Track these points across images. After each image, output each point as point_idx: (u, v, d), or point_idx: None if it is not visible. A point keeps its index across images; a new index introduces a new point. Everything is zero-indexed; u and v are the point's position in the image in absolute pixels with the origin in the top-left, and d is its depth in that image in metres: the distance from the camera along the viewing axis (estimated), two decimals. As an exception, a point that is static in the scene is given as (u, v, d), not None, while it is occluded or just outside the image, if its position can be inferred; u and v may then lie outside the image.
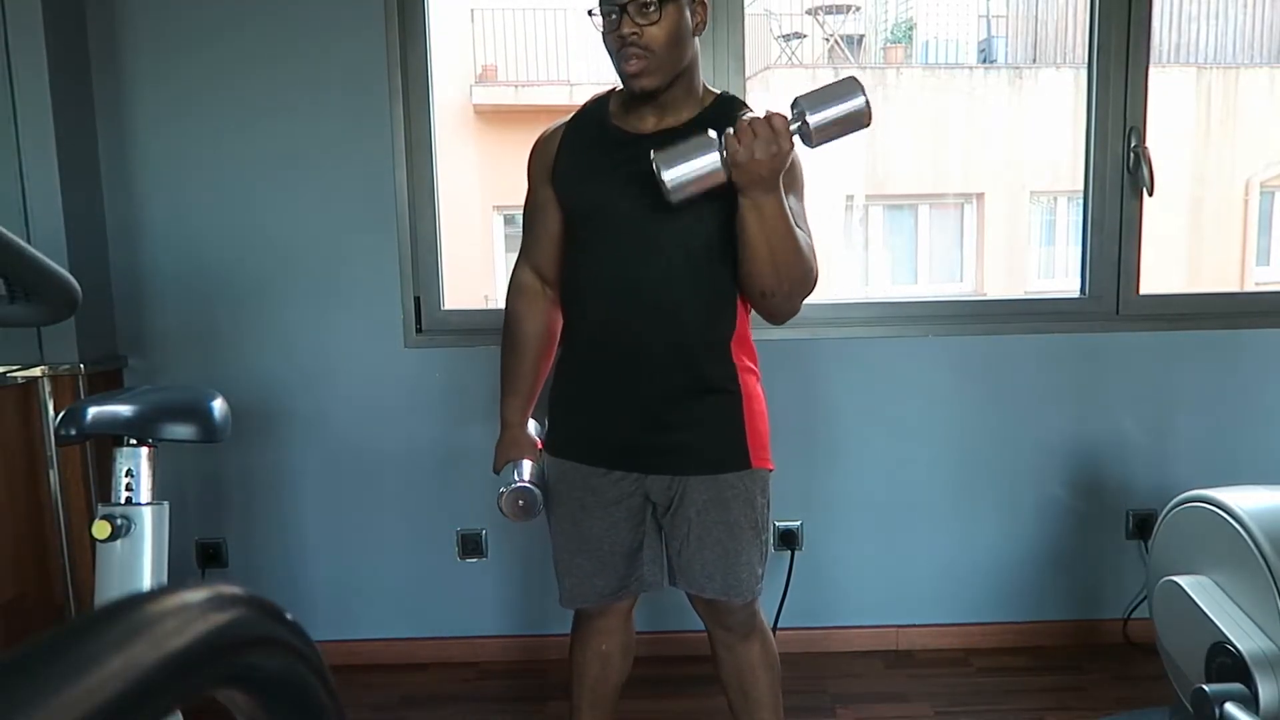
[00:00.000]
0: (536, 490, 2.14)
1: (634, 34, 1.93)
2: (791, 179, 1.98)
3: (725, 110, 2.03)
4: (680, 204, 1.87)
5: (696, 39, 2.02)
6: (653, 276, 2.02)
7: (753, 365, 2.14)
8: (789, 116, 1.86)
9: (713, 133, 1.87)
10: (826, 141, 1.89)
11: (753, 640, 2.28)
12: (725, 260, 2.00)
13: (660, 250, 2.01)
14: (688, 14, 1.97)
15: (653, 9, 1.92)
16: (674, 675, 3.19)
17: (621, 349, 2.07)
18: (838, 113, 1.86)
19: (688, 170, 1.84)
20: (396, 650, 3.40)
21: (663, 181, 1.84)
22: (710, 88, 2.12)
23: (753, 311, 2.11)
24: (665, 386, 2.07)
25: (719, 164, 1.84)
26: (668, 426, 2.08)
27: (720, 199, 1.90)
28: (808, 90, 1.90)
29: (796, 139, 1.88)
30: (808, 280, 1.99)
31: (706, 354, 2.07)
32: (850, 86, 1.87)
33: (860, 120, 1.87)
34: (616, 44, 1.96)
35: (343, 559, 3.37)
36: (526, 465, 2.18)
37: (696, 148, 1.85)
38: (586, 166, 2.10)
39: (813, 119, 1.85)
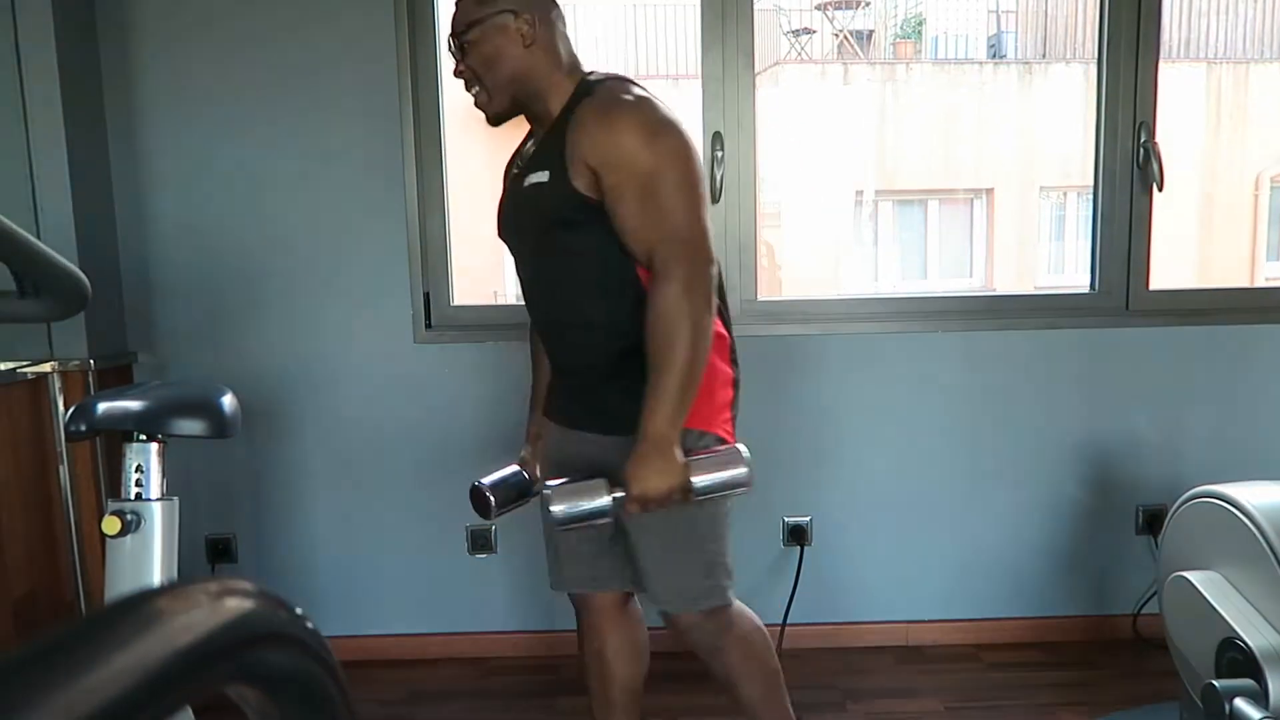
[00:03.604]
0: (485, 494, 2.22)
1: (462, 70, 2.03)
2: (659, 168, 1.88)
3: (574, 104, 1.98)
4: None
5: (533, 49, 1.99)
6: (541, 305, 2.13)
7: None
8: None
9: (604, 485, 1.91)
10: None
11: (728, 652, 2.20)
12: (610, 271, 1.97)
13: (534, 258, 2.10)
14: (507, 31, 1.97)
15: (469, 41, 1.99)
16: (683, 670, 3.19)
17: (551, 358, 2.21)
18: (721, 480, 1.92)
19: (575, 511, 1.90)
20: (406, 646, 3.41)
21: (550, 513, 1.90)
22: (585, 73, 2.05)
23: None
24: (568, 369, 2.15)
25: (607, 511, 1.90)
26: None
27: (583, 232, 1.95)
28: (699, 455, 1.93)
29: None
30: (691, 340, 1.89)
31: (606, 362, 2.04)
32: (734, 458, 1.93)
33: (744, 488, 1.94)
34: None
35: (352, 554, 3.38)
36: (502, 470, 2.29)
37: (588, 492, 1.90)
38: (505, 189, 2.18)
39: (697, 484, 1.91)
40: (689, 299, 1.87)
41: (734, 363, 2.12)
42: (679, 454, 1.89)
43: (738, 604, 2.20)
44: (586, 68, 2.07)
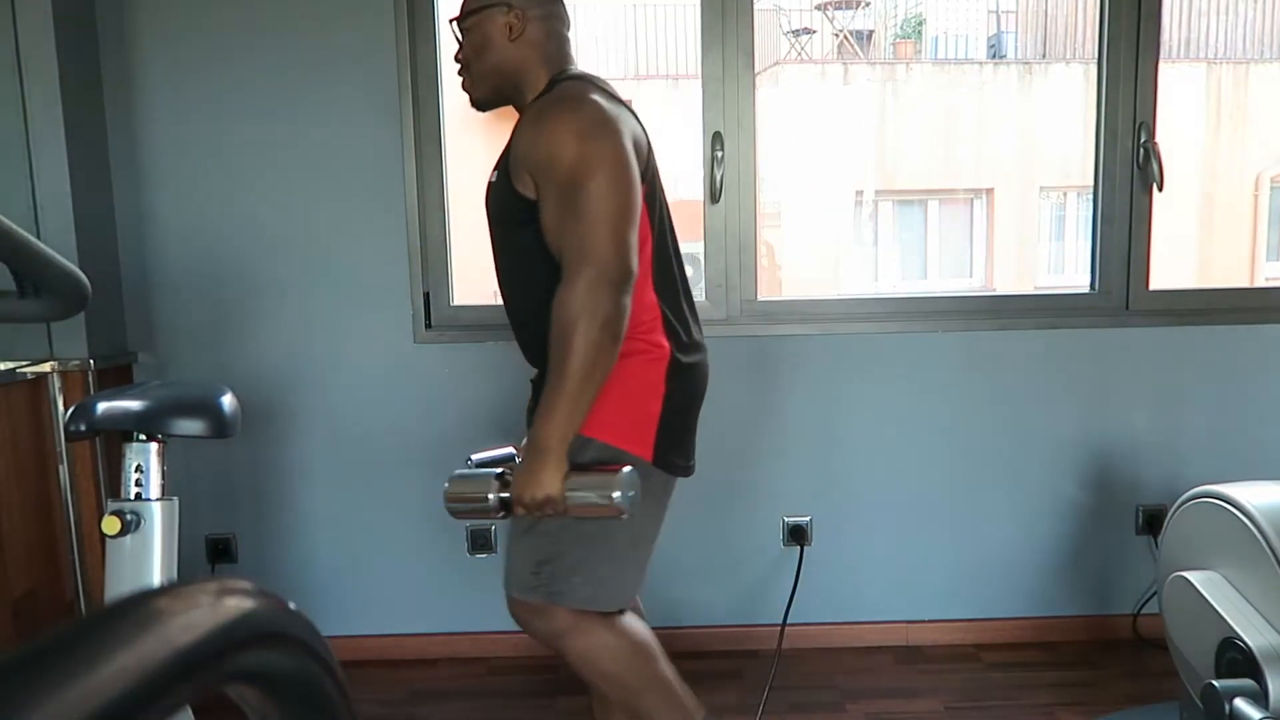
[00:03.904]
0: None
1: (457, 56, 2.10)
2: (564, 164, 1.87)
3: (535, 103, 2.01)
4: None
5: (518, 43, 2.02)
6: (505, 301, 2.15)
7: (645, 340, 2.02)
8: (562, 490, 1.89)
9: (495, 473, 1.95)
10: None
11: (566, 653, 2.11)
12: (553, 271, 1.94)
13: (500, 257, 2.11)
14: (496, 23, 2.01)
15: (466, 29, 2.05)
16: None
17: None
18: (591, 502, 1.90)
19: (459, 505, 1.97)
20: (406, 646, 3.41)
21: (445, 497, 1.96)
22: (558, 72, 2.05)
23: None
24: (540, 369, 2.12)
25: (489, 508, 1.93)
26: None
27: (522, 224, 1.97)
28: (583, 473, 1.92)
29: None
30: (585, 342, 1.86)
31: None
32: (611, 484, 1.89)
33: (614, 516, 1.91)
34: None
35: (352, 554, 3.38)
36: (496, 450, 2.26)
37: (477, 484, 1.95)
38: None
39: (570, 499, 1.90)
40: (587, 308, 1.83)
41: (682, 375, 2.04)
42: (559, 464, 1.88)
43: (609, 624, 2.10)
44: (577, 68, 2.08)
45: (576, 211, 1.86)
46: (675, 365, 2.02)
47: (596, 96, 1.94)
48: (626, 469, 1.89)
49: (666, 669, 2.14)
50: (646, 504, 2.00)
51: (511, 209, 1.96)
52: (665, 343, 2.02)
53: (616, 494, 1.86)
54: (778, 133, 10.68)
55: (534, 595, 2.06)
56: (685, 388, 2.06)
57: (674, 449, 2.06)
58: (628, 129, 1.93)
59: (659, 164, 2.10)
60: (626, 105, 2.04)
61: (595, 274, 1.84)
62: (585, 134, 1.87)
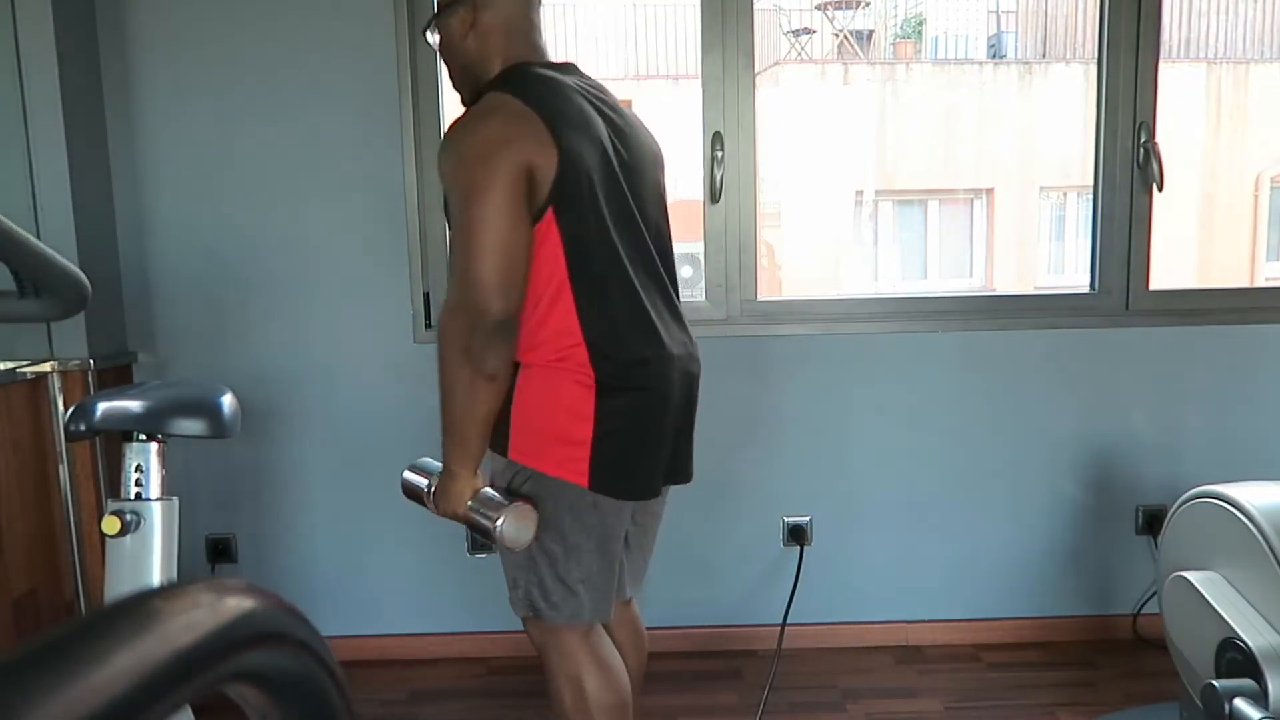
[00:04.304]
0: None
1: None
2: (451, 186, 1.89)
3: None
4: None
5: (474, 36, 2.01)
6: None
7: (535, 359, 1.97)
8: (469, 505, 1.99)
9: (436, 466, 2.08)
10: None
11: (543, 663, 2.20)
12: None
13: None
14: (453, 22, 2.02)
15: (437, 35, 2.07)
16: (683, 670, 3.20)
17: None
18: (481, 527, 1.98)
19: (411, 482, 2.19)
20: (406, 646, 3.41)
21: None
22: (518, 60, 2.02)
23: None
24: None
25: (424, 492, 2.13)
26: None
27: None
28: (486, 496, 1.99)
29: None
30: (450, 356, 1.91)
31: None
32: (498, 513, 1.94)
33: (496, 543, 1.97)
34: None
35: (352, 554, 3.38)
36: None
37: (424, 471, 2.15)
38: None
39: (471, 519, 2.00)
40: (448, 335, 1.87)
41: (615, 399, 1.96)
42: (463, 485, 1.97)
43: (585, 653, 2.13)
44: (535, 55, 2.03)
45: (457, 237, 1.87)
46: (605, 390, 1.95)
47: (501, 113, 1.88)
48: (518, 506, 1.93)
49: None
50: (583, 526, 2.01)
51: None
52: (590, 369, 1.95)
53: (497, 524, 1.92)
54: (778, 133, 10.68)
55: (516, 607, 2.12)
56: (627, 411, 1.98)
57: (619, 474, 2.00)
58: (523, 152, 1.83)
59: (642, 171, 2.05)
60: (586, 100, 1.97)
61: (456, 303, 1.85)
62: (469, 159, 1.85)
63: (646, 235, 2.04)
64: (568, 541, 2.02)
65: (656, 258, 2.07)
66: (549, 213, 1.87)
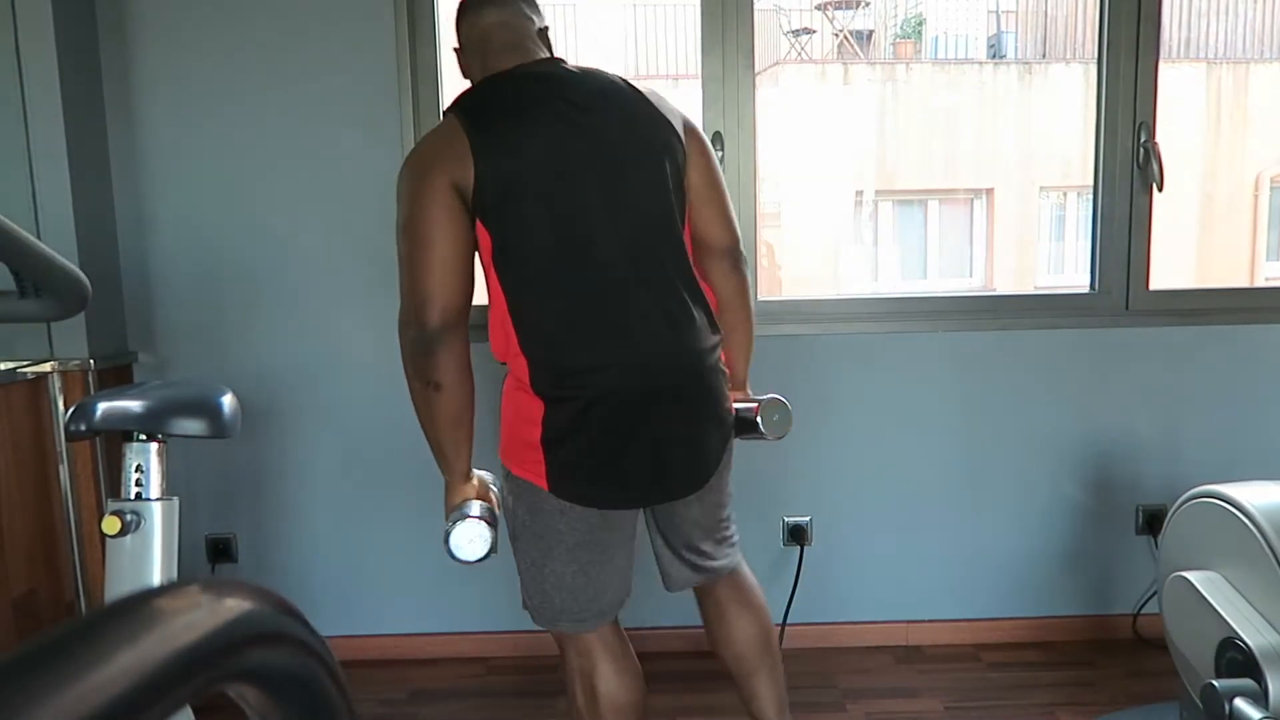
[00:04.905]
0: None
1: None
2: (399, 216, 1.96)
3: None
4: None
5: (466, 60, 2.14)
6: None
7: (517, 376, 2.08)
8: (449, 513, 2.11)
9: None
10: None
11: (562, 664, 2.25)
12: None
13: None
14: (459, 64, 2.18)
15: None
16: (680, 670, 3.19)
17: None
18: (446, 530, 2.07)
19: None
20: (406, 645, 3.41)
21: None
22: (489, 75, 2.08)
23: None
24: None
25: None
26: None
27: None
28: (467, 503, 2.12)
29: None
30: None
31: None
32: (458, 518, 2.06)
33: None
34: None
35: (352, 554, 3.38)
36: None
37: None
38: None
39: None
40: (399, 340, 1.98)
41: (561, 409, 1.99)
42: (453, 490, 2.11)
43: (592, 656, 2.17)
44: (505, 65, 2.04)
45: (399, 253, 1.97)
46: (551, 400, 1.99)
47: (434, 133, 1.98)
48: (470, 520, 2.04)
49: None
50: (553, 531, 2.05)
51: None
52: (528, 378, 2.02)
53: (450, 529, 2.03)
54: (778, 133, 10.67)
55: (529, 611, 2.22)
56: (570, 419, 1.98)
57: (577, 481, 2.00)
58: (445, 169, 1.90)
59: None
60: (544, 103, 1.97)
61: (400, 316, 1.97)
62: (405, 179, 1.95)
63: (625, 232, 1.99)
64: (540, 544, 2.08)
65: (656, 251, 2.03)
66: (479, 224, 1.94)
